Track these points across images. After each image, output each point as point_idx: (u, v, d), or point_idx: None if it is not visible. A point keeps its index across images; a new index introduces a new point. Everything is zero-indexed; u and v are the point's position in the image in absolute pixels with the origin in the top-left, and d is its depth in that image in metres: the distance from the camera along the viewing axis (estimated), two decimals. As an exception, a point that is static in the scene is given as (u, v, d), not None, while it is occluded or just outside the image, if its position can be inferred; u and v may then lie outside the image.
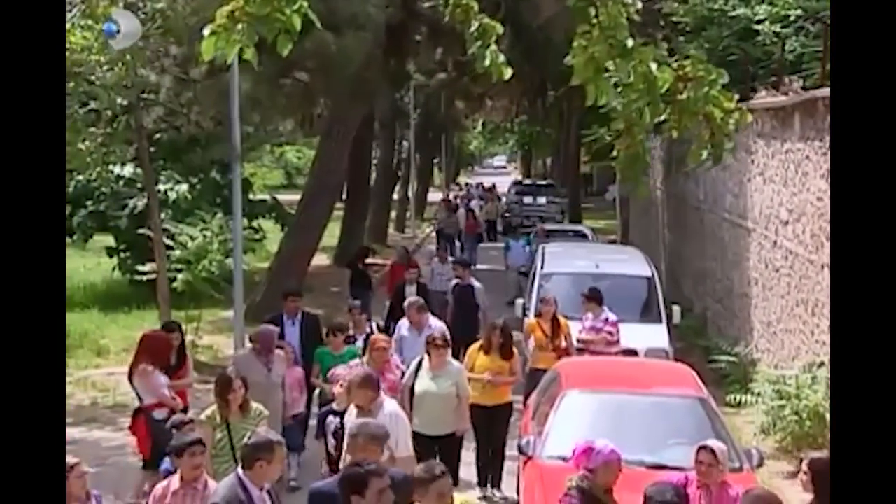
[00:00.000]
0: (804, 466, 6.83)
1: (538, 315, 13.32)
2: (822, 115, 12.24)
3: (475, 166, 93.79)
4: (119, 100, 17.96)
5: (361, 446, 6.88)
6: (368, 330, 12.23)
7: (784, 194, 14.02)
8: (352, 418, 8.76)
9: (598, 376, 11.08)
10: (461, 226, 31.91)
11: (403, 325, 12.45)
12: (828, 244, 12.14)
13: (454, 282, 15.96)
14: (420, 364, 10.32)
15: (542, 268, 16.61)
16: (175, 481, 7.28)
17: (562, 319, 13.19)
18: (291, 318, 12.40)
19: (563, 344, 12.91)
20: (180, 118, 21.67)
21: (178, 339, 11.46)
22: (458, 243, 30.79)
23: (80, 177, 23.03)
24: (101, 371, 16.64)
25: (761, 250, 15.40)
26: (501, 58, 6.59)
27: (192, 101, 19.17)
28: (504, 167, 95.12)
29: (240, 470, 6.53)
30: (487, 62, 6.54)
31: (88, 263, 27.50)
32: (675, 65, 6.07)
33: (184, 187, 23.12)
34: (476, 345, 11.46)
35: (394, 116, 37.69)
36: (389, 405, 8.57)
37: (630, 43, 5.79)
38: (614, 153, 6.70)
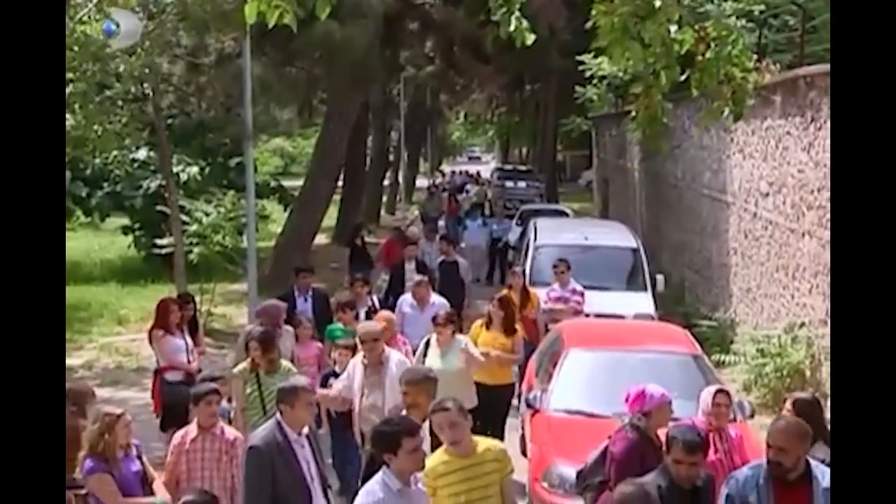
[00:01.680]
0: (788, 405, 6.75)
1: (508, 287, 12.73)
2: (802, 93, 12.11)
3: (456, 156, 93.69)
4: (132, 88, 17.77)
5: (414, 392, 6.73)
6: (370, 303, 11.84)
7: (764, 168, 13.89)
8: (358, 372, 8.50)
9: (597, 336, 11.00)
10: (443, 208, 31.91)
11: (406, 301, 11.81)
12: (808, 213, 12.04)
13: (440, 258, 15.40)
14: (428, 343, 9.70)
15: (534, 240, 16.44)
16: (193, 429, 7.17)
17: (531, 290, 12.79)
18: (303, 294, 11.95)
19: (532, 314, 12.40)
20: (191, 104, 21.54)
21: (191, 311, 11.22)
22: (440, 223, 30.73)
23: (97, 160, 22.87)
24: (122, 338, 16.46)
25: (740, 222, 15.29)
26: (525, 23, 6.41)
27: (204, 87, 19.00)
28: (479, 158, 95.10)
29: (278, 415, 6.36)
30: (512, 27, 6.37)
31: (104, 242, 27.43)
32: (696, 26, 5.89)
33: (194, 169, 22.91)
34: (479, 321, 10.80)
35: (385, 106, 37.56)
36: (395, 355, 8.45)
37: (658, 3, 5.58)
38: (633, 114, 6.56)
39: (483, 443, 6.19)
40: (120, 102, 17.30)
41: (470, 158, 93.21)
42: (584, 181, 53.73)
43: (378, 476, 5.59)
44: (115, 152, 22.05)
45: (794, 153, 12.43)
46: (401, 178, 44.85)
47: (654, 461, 6.52)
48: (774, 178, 13.38)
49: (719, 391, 7.40)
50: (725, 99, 5.77)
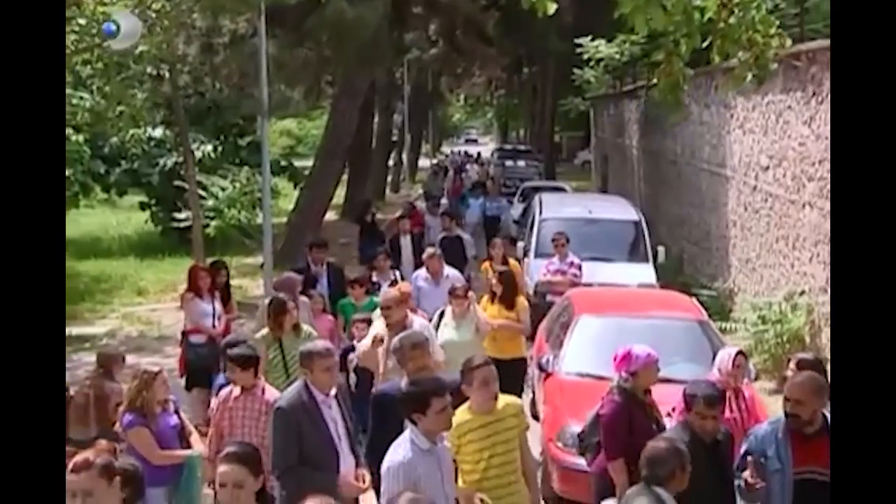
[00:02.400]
0: (792, 365, 6.69)
1: (490, 258, 12.55)
2: (804, 68, 12.01)
3: (456, 137, 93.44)
4: (150, 68, 17.71)
5: (409, 356, 6.63)
6: (392, 276, 11.67)
7: (764, 142, 13.80)
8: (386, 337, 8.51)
9: (606, 303, 10.95)
10: (447, 187, 31.86)
11: (420, 275, 11.51)
12: (809, 185, 11.97)
13: (442, 234, 15.06)
14: (442, 315, 9.48)
15: (540, 214, 16.36)
16: (236, 389, 7.15)
17: (512, 262, 12.43)
18: (318, 269, 11.68)
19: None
20: (205, 84, 21.48)
21: (224, 277, 11.19)
22: (443, 202, 30.69)
23: (115, 138, 22.89)
24: (143, 308, 16.42)
25: (740, 195, 15.22)
26: (547, -8, 6.34)
27: (219, 66, 18.90)
28: (475, 140, 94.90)
29: (305, 376, 6.34)
30: (535, -2, 6.29)
31: (121, 218, 27.42)
32: (719, -8, 5.82)
33: (208, 147, 22.92)
34: (486, 295, 10.40)
35: (390, 88, 37.42)
36: (418, 320, 8.43)
37: (685, -32, 5.51)
38: (655, 81, 6.50)
39: (501, 399, 6.10)
40: (138, 82, 17.28)
41: (467, 141, 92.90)
42: (579, 161, 53.67)
43: (405, 435, 5.50)
44: (132, 131, 22.08)
45: (796, 127, 12.34)
46: (404, 159, 44.78)
47: (643, 421, 6.54)
48: (774, 151, 13.29)
49: (739, 353, 7.35)
50: (749, 64, 5.69)
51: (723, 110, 15.96)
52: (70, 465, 4.42)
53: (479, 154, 52.08)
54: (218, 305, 10.51)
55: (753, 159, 14.36)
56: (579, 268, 12.94)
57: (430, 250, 12.12)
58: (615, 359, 6.84)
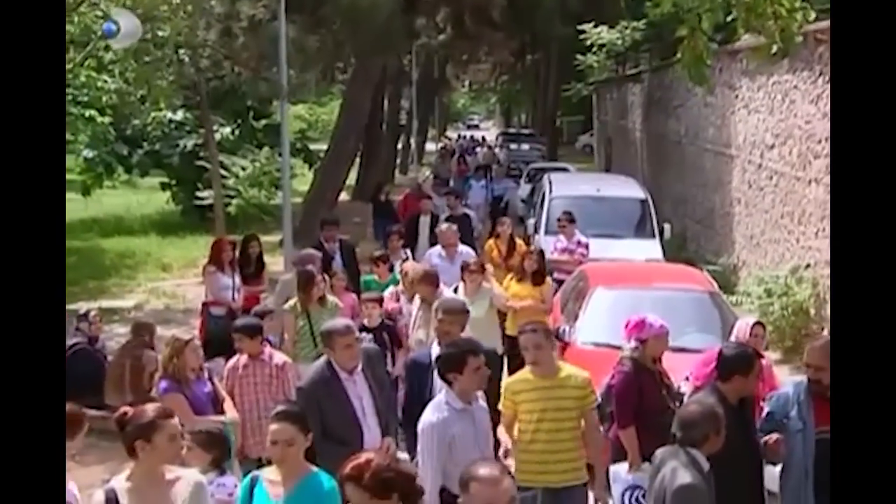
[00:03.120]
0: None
1: (496, 236, 12.42)
2: (811, 48, 11.88)
3: (460, 123, 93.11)
4: (171, 52, 17.58)
5: (448, 323, 6.61)
6: (403, 255, 11.54)
7: (770, 122, 13.68)
8: (415, 308, 8.54)
9: (620, 275, 10.90)
10: (453, 169, 31.79)
11: (434, 252, 11.32)
12: (815, 162, 11.87)
13: (447, 213, 14.72)
14: (456, 291, 9.26)
15: (550, 192, 16.24)
16: (244, 357, 7.18)
17: (518, 241, 12.38)
18: (331, 246, 11.46)
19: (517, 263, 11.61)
20: (224, 68, 21.38)
21: (257, 250, 11.14)
22: (451, 183, 30.59)
23: (137, 121, 22.86)
24: (167, 283, 16.37)
25: (744, 173, 15.11)
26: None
27: (239, 50, 18.76)
28: (477, 126, 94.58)
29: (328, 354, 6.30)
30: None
31: (141, 199, 27.34)
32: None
33: (226, 130, 22.86)
34: (512, 273, 10.33)
35: (399, 74, 37.25)
36: (448, 293, 8.40)
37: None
38: (679, 55, 6.41)
39: (567, 369, 6.13)
40: (163, 66, 17.18)
41: (469, 126, 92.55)
42: (580, 144, 53.48)
43: (440, 396, 5.53)
44: (153, 114, 22.03)
45: (802, 106, 12.22)
46: (412, 143, 44.72)
47: (653, 389, 6.47)
48: (780, 130, 13.18)
49: (757, 323, 7.33)
50: (774, 38, 5.59)
51: (727, 92, 15.83)
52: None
53: (484, 138, 51.93)
54: (238, 279, 10.54)
55: (759, 138, 14.25)
56: (586, 247, 12.78)
57: (444, 224, 12.01)
58: (627, 325, 6.77)
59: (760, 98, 14.12)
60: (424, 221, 14.28)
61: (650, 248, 14.55)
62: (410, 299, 8.87)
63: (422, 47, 35.16)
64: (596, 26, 29.15)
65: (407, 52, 35.62)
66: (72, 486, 5.05)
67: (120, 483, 4.22)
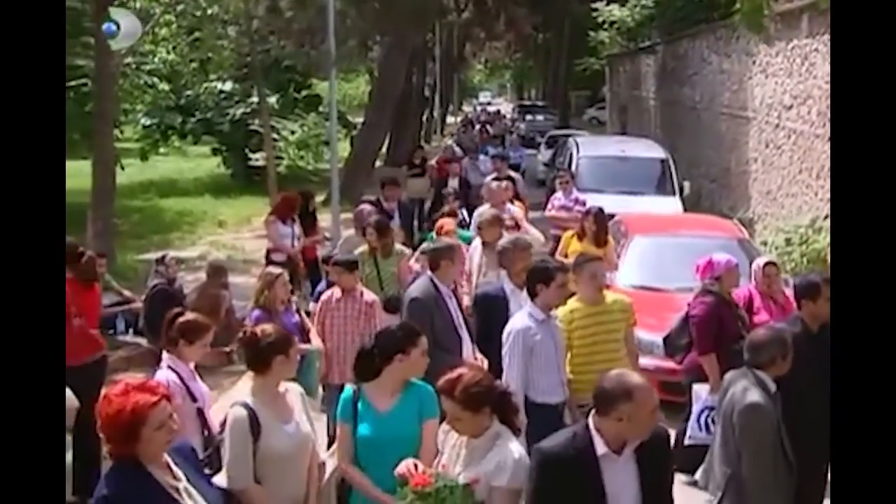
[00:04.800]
0: None
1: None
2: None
3: (474, 98, 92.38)
4: (220, 29, 17.43)
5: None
6: (460, 217, 10.94)
7: (788, 84, 13.37)
8: (476, 255, 8.34)
9: (656, 224, 10.81)
10: (476, 140, 31.61)
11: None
12: (835, 119, 11.60)
13: (493, 174, 13.52)
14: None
15: (577, 153, 16.01)
16: (337, 292, 7.06)
17: (517, 203, 11.63)
18: (390, 205, 10.88)
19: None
20: (269, 43, 21.16)
21: (314, 205, 11.08)
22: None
23: (189, 92, 22.75)
24: (226, 237, 16.26)
25: (761, 133, 14.82)
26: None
27: (288, 23, 18.53)
28: (488, 103, 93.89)
29: (429, 272, 6.29)
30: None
31: (191, 165, 27.25)
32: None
33: (272, 99, 22.65)
34: (570, 231, 9.90)
35: (423, 51, 36.97)
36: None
37: None
38: (737, 6, 6.17)
39: (611, 296, 6.18)
40: (211, 41, 17.07)
41: (480, 103, 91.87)
42: (587, 117, 53.16)
43: (524, 309, 5.67)
44: (205, 85, 21.87)
45: (822, 67, 11.92)
46: (435, 115, 44.69)
47: (730, 319, 6.44)
48: (799, 91, 12.88)
49: (769, 262, 7.30)
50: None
51: (745, 58, 15.50)
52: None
53: (498, 111, 51.64)
54: (297, 228, 10.48)
55: (776, 100, 13.95)
56: (584, 204, 12.37)
57: (493, 183, 11.46)
58: (697, 269, 6.72)
59: (779, 62, 13.80)
60: (452, 184, 14.17)
61: (671, 204, 14.36)
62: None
63: (444, 25, 34.88)
64: (608, 4, 28.85)
65: (431, 30, 35.38)
66: (202, 386, 5.00)
67: (249, 397, 4.12)
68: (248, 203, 19.12)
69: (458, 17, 33.03)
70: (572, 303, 5.95)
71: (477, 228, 8.22)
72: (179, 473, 3.32)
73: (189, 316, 5.07)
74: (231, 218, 18.06)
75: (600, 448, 3.50)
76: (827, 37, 11.84)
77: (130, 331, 9.76)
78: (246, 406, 4.06)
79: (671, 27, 22.51)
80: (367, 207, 10.17)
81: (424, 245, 9.14)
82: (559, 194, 12.43)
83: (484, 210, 8.90)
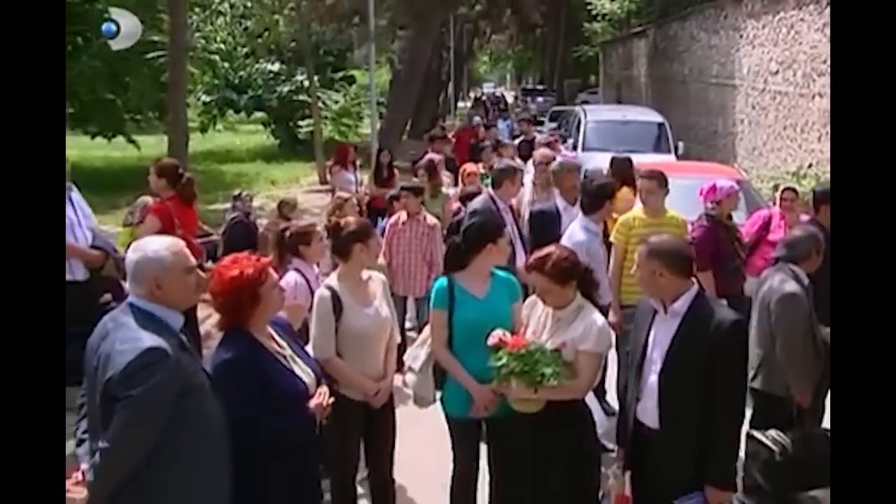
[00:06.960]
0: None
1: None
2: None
3: (478, 87, 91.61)
4: (267, 18, 17.18)
5: (566, 176, 6.37)
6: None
7: (774, 52, 13.11)
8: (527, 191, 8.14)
9: (663, 169, 10.54)
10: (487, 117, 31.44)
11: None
12: (819, 79, 11.36)
13: (520, 138, 13.86)
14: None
15: (585, 118, 15.85)
16: (403, 215, 6.96)
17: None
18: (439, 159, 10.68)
19: None
20: (310, 29, 20.96)
21: (388, 157, 10.80)
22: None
23: (242, 72, 22.59)
24: (279, 192, 16.10)
25: (747, 98, 14.57)
26: None
27: (323, 13, 18.31)
28: (494, 91, 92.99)
29: (490, 189, 6.22)
30: None
31: (243, 138, 27.16)
32: None
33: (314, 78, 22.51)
34: None
35: (441, 37, 36.71)
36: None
37: None
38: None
39: (671, 211, 5.96)
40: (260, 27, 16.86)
41: (484, 91, 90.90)
42: (579, 101, 52.86)
43: (577, 221, 5.57)
44: (255, 66, 21.70)
45: (808, 35, 11.66)
46: (450, 96, 44.62)
47: (726, 241, 6.21)
48: (784, 57, 12.62)
49: (787, 188, 7.07)
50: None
51: (732, 33, 15.20)
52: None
53: (503, 95, 51.40)
54: (360, 174, 10.41)
55: (763, 67, 13.68)
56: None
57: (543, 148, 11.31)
58: (701, 192, 6.51)
59: (765, 34, 13.52)
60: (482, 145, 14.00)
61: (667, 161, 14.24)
62: None
63: (458, 18, 34.57)
64: (601, -2, 28.59)
65: (444, 25, 35.02)
66: (295, 276, 4.67)
67: (335, 282, 4.01)
68: (295, 167, 19.11)
69: (470, 9, 32.52)
70: (635, 211, 5.83)
71: (534, 164, 8.01)
72: (283, 342, 3.24)
73: (292, 225, 4.95)
74: (281, 178, 17.99)
75: None
76: (813, 6, 11.57)
77: (209, 261, 9.69)
78: (330, 288, 3.99)
79: (661, 13, 22.21)
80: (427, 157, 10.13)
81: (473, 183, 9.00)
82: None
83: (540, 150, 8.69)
